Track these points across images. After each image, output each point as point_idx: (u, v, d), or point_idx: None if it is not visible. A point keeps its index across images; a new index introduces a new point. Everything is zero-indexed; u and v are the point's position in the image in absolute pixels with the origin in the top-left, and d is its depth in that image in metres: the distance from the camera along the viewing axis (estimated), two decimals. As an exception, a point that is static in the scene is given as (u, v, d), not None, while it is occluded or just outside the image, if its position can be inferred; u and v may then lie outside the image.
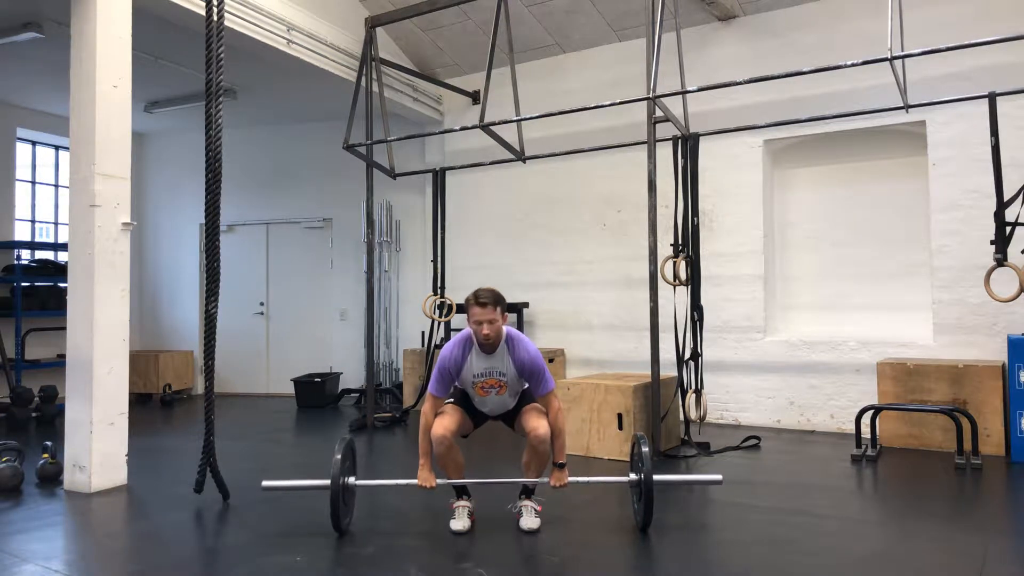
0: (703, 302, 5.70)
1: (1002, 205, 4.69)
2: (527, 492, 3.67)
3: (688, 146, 5.69)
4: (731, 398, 6.70)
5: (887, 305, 6.35)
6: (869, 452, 5.11)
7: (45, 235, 8.79)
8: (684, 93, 5.69)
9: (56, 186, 8.84)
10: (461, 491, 3.68)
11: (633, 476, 3.60)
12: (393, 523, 3.77)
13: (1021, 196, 4.65)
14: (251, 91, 7.71)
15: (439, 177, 7.09)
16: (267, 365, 9.17)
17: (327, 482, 3.48)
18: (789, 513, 3.88)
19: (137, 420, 5.57)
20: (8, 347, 7.40)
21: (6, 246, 7.70)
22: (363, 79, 6.60)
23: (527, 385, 3.66)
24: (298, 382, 8.17)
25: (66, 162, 8.30)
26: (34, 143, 8.60)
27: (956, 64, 5.63)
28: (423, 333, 7.75)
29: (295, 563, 3.17)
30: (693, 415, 5.55)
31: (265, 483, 3.80)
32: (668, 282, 5.61)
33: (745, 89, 6.20)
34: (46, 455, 4.66)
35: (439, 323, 7.06)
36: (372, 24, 6.68)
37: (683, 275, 5.62)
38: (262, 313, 9.22)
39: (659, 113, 5.34)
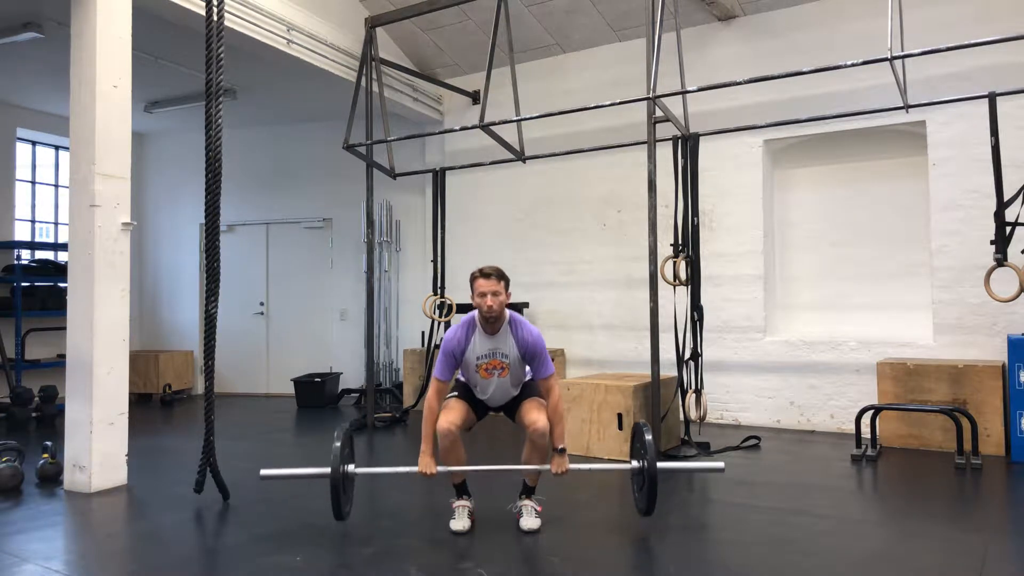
0: (703, 302, 5.70)
1: (1002, 205, 4.70)
2: (527, 492, 3.67)
3: (688, 146, 5.69)
4: (731, 398, 6.70)
5: (887, 305, 6.35)
6: (869, 452, 5.11)
7: (45, 235, 8.79)
8: (684, 93, 5.69)
9: (56, 186, 8.84)
10: (462, 490, 3.68)
11: (635, 463, 3.59)
12: (393, 523, 3.76)
13: (1021, 196, 4.65)
14: (251, 91, 7.71)
15: (439, 177, 7.09)
16: (267, 365, 9.17)
17: (327, 470, 3.49)
18: (789, 513, 3.88)
19: (137, 420, 5.57)
20: (8, 347, 7.40)
21: (6, 246, 7.70)
22: (363, 79, 6.60)
23: (529, 373, 3.66)
24: (298, 382, 8.17)
25: (66, 162, 8.30)
26: (34, 143, 8.60)
27: (956, 64, 5.63)
28: (423, 333, 7.75)
29: (295, 563, 3.17)
30: (693, 415, 5.55)
31: (263, 472, 3.82)
32: (668, 282, 5.61)
33: (745, 89, 6.20)
34: (46, 455, 4.66)
35: (439, 323, 7.06)
36: (372, 24, 6.68)
37: (683, 275, 5.62)
38: (262, 313, 9.22)
39: (659, 113, 5.33)
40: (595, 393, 5.33)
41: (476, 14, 7.07)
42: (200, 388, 9.11)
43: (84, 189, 4.49)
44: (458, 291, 6.34)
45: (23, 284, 7.62)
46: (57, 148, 8.80)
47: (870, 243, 6.48)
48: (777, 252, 6.85)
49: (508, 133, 6.52)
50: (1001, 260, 4.66)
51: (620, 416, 5.20)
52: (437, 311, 6.96)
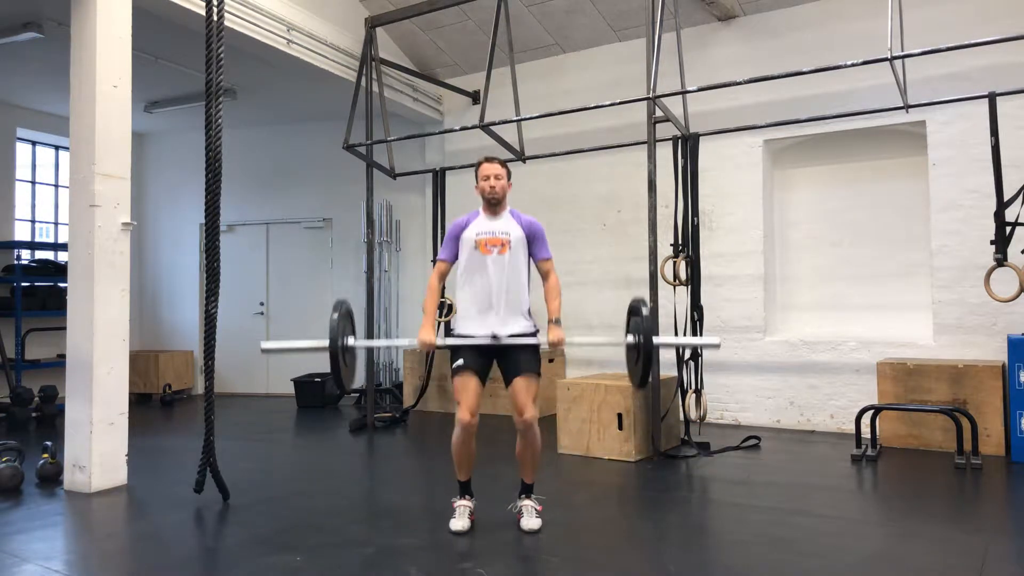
0: (703, 302, 5.70)
1: (1002, 205, 4.70)
2: (526, 491, 3.67)
3: (688, 146, 5.69)
4: (731, 398, 6.70)
5: (887, 305, 6.35)
6: (869, 452, 5.11)
7: (45, 235, 8.79)
8: (684, 93, 5.69)
9: (56, 186, 8.84)
10: (465, 489, 3.68)
11: (631, 338, 3.56)
12: (393, 523, 3.77)
13: (1021, 196, 4.65)
14: (251, 91, 7.71)
15: (439, 177, 7.09)
16: (267, 365, 9.16)
17: (326, 342, 3.48)
18: (789, 513, 3.88)
19: (137, 420, 5.57)
20: (8, 347, 7.40)
21: (6, 246, 7.70)
22: (363, 79, 6.60)
23: (529, 305, 3.67)
24: (298, 382, 8.18)
25: (66, 162, 8.29)
26: (34, 143, 8.60)
27: (956, 64, 5.63)
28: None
29: (295, 563, 3.17)
30: (693, 415, 5.55)
31: (264, 344, 3.86)
32: (668, 282, 5.61)
33: (745, 89, 6.19)
34: (46, 455, 4.65)
35: (439, 323, 7.06)
36: (372, 24, 6.68)
37: (683, 275, 5.63)
38: (262, 313, 9.22)
39: (659, 113, 5.34)
40: (595, 393, 5.33)
41: (476, 14, 7.07)
42: (200, 388, 9.11)
43: (84, 189, 4.49)
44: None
45: (23, 284, 7.62)
46: (57, 148, 8.80)
47: (870, 243, 6.47)
48: (777, 252, 6.85)
49: (508, 133, 6.52)
50: (1001, 260, 4.66)
51: (620, 416, 5.19)
52: (437, 311, 6.95)
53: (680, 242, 5.64)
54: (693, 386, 5.57)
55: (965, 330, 5.75)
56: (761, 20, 6.66)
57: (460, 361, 3.59)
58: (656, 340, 3.52)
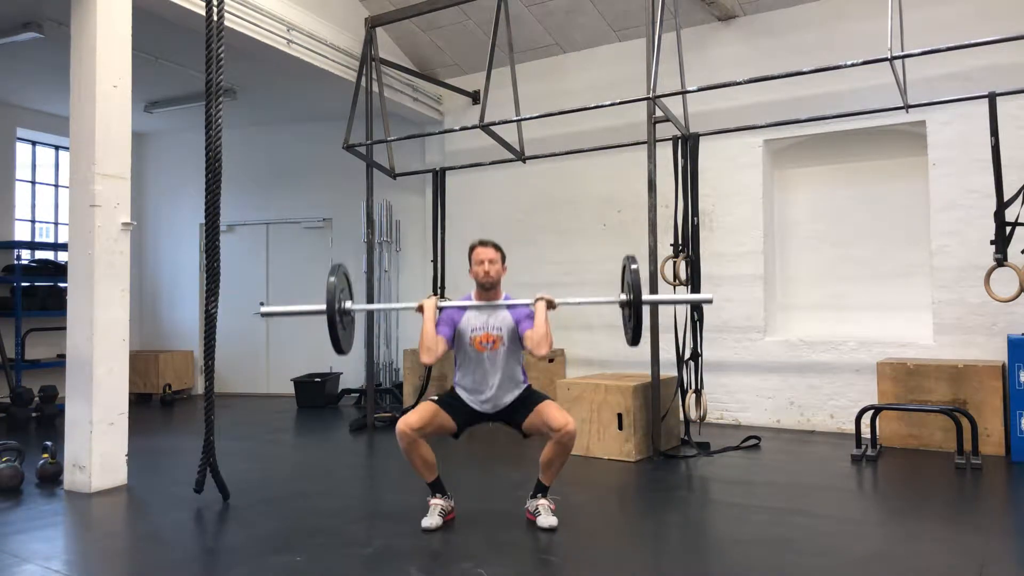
0: (703, 302, 5.71)
1: (1002, 205, 4.70)
2: (542, 491, 3.68)
3: (688, 146, 5.69)
4: (731, 398, 6.70)
5: (887, 305, 6.35)
6: (869, 452, 5.11)
7: (45, 235, 8.79)
8: (684, 93, 5.69)
9: (56, 186, 8.84)
10: (436, 488, 3.66)
11: (624, 296, 3.55)
12: (393, 523, 3.76)
13: (1021, 196, 4.65)
14: (251, 91, 7.71)
15: (439, 177, 7.09)
16: (267, 365, 9.17)
17: (323, 307, 3.49)
18: (789, 513, 3.88)
19: (137, 420, 5.57)
20: (8, 347, 7.40)
21: (6, 246, 7.70)
22: (363, 79, 6.60)
23: (525, 379, 3.67)
24: (298, 382, 8.18)
25: (66, 162, 8.29)
26: (34, 143, 8.59)
27: (956, 64, 5.63)
28: (423, 333, 7.74)
29: (295, 563, 3.17)
30: (693, 415, 5.55)
31: (263, 308, 3.88)
32: (668, 282, 5.61)
33: (745, 89, 6.19)
34: (46, 455, 4.65)
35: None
36: (372, 24, 6.68)
37: (683, 275, 5.62)
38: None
39: (659, 113, 5.34)
40: (595, 393, 5.33)
41: (476, 14, 7.07)
42: (200, 388, 9.10)
43: (84, 189, 4.49)
44: (458, 291, 6.34)
45: (23, 284, 7.62)
46: (57, 148, 8.80)
47: (870, 243, 6.47)
48: (777, 252, 6.85)
49: (508, 133, 6.52)
50: (1001, 260, 4.66)
51: (620, 416, 5.19)
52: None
53: (680, 242, 5.64)
54: (693, 386, 5.57)
55: (965, 330, 5.75)
56: (761, 20, 6.66)
57: (435, 398, 3.65)
58: (647, 297, 3.51)
